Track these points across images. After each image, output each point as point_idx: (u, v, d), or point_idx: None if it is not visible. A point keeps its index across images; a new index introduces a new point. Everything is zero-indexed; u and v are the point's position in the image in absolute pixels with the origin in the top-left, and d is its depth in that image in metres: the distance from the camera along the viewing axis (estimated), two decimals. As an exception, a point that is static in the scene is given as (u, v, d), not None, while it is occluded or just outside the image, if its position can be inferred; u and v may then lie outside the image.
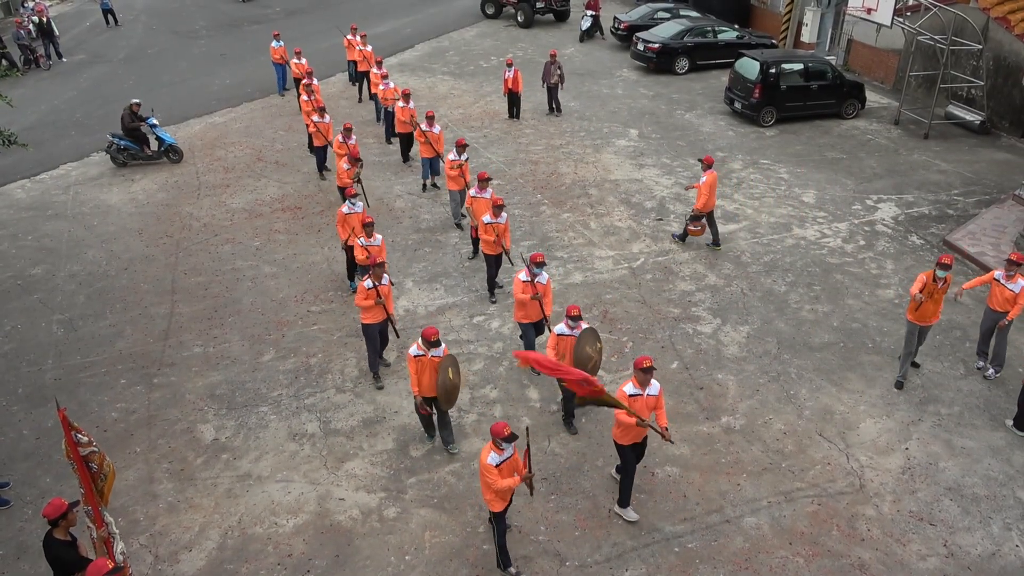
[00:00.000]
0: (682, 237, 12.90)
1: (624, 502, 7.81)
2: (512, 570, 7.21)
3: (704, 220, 12.34)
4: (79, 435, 6.28)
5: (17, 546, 7.62)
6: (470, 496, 8.12)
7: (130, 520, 7.85)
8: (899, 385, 9.58)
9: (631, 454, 7.57)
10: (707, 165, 12.13)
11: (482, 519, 7.82)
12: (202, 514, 7.96)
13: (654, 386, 7.33)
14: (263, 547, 7.58)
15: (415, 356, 8.05)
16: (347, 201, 11.06)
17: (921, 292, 8.98)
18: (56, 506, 6.06)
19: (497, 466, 6.65)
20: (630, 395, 7.19)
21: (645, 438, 7.62)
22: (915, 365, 9.93)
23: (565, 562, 7.39)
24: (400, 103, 15.01)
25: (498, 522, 7.04)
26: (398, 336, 9.82)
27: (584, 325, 8.34)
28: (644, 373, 7.16)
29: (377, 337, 9.62)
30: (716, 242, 12.70)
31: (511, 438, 6.56)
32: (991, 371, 9.73)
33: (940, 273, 8.97)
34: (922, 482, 8.25)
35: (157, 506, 8.06)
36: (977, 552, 7.47)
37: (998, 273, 9.25)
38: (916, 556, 7.43)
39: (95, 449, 6.68)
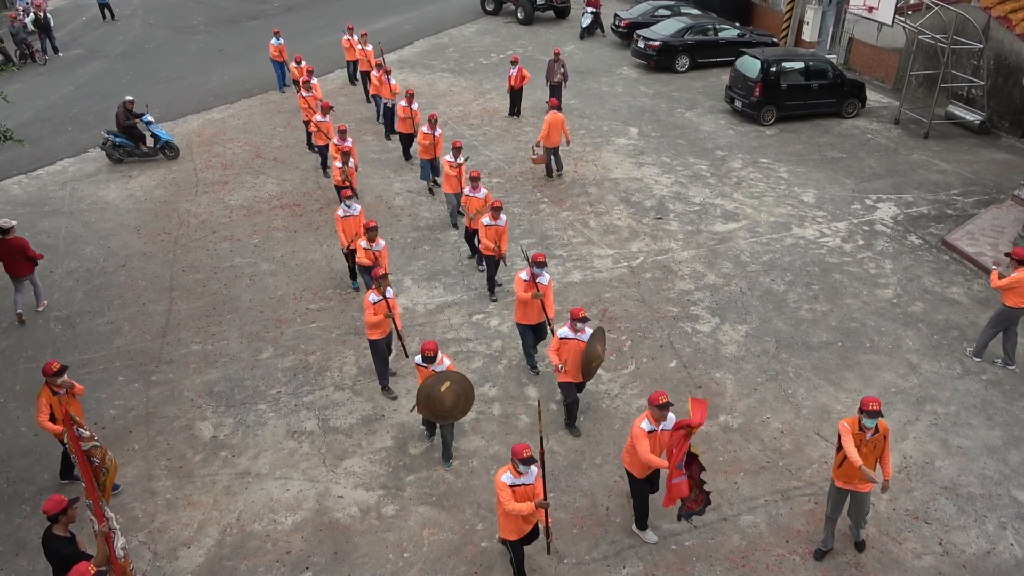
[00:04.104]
0: (548, 172, 15.24)
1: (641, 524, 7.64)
2: None
3: (548, 154, 14.87)
4: (80, 429, 6.30)
5: (16, 542, 7.63)
6: (469, 494, 8.14)
7: (129, 517, 7.86)
8: (819, 555, 7.32)
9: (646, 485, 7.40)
10: (551, 107, 14.81)
11: (481, 516, 7.85)
12: (201, 511, 7.97)
13: (669, 420, 6.89)
14: (262, 544, 7.60)
15: (419, 365, 8.04)
16: (343, 203, 11.00)
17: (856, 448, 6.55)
18: (56, 502, 6.08)
19: (511, 486, 6.42)
20: (648, 431, 6.82)
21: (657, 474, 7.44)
22: (859, 548, 7.41)
23: (563, 560, 7.41)
24: (402, 102, 15.01)
25: (513, 548, 6.89)
26: (407, 356, 9.75)
27: (589, 329, 8.37)
28: (660, 409, 6.78)
29: (385, 351, 9.45)
30: (559, 171, 15.22)
31: (529, 460, 6.35)
32: (999, 361, 9.83)
33: (867, 422, 6.48)
34: (918, 481, 8.28)
35: (156, 503, 8.07)
36: (972, 550, 7.50)
37: None
38: (911, 554, 7.46)
39: (96, 443, 6.70)
